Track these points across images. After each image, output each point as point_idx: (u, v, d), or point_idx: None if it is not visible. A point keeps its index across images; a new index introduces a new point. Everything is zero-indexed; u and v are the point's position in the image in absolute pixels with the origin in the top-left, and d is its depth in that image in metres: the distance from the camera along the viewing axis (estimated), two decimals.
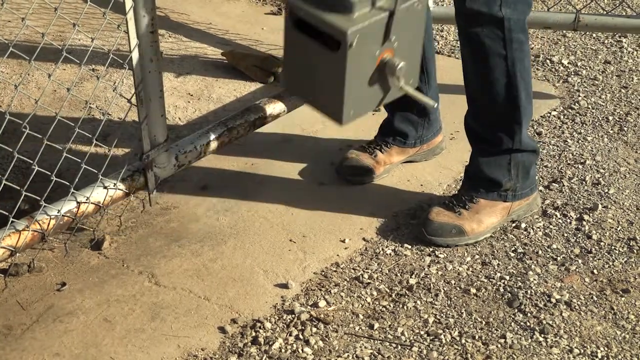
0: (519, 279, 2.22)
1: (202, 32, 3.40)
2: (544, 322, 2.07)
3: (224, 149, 2.45)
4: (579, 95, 3.02)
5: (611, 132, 2.83)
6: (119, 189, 2.21)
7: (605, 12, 3.22)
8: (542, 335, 2.04)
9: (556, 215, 2.45)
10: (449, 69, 3.06)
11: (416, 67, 1.95)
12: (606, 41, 3.33)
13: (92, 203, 2.16)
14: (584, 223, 2.42)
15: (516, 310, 2.11)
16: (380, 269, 2.25)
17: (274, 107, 2.59)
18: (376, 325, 2.06)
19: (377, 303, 2.14)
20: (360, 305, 2.13)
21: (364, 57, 1.84)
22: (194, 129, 2.70)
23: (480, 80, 2.32)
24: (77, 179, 2.16)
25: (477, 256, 2.30)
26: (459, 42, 2.37)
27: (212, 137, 2.37)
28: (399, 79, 1.88)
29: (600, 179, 2.60)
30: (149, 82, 2.18)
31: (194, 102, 3.00)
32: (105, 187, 2.18)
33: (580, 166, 2.66)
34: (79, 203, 2.13)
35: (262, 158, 2.70)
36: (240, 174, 2.64)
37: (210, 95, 3.03)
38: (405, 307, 2.13)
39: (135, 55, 2.14)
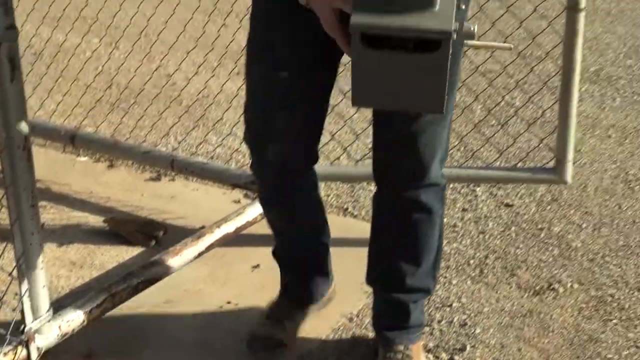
0: None
1: (84, 201, 3.36)
2: None
3: (108, 314, 2.40)
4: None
5: (473, 274, 2.88)
6: None
7: (458, 165, 3.33)
8: None
9: (429, 358, 2.46)
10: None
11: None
12: (462, 190, 3.43)
13: None
14: None
15: None
16: None
17: (156, 270, 2.57)
18: None
19: None
20: None
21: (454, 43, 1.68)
22: (78, 297, 2.63)
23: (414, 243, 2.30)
24: None
25: None
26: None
27: (96, 304, 2.33)
28: (474, 37, 1.69)
29: (467, 320, 2.63)
30: (30, 254, 2.14)
31: (77, 270, 2.93)
32: None
33: (447, 309, 2.69)
34: None
35: (148, 321, 2.64)
36: (126, 338, 2.57)
37: (93, 263, 2.98)
38: None
39: (16, 230, 2.11)
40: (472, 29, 1.68)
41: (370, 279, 2.42)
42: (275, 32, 2.11)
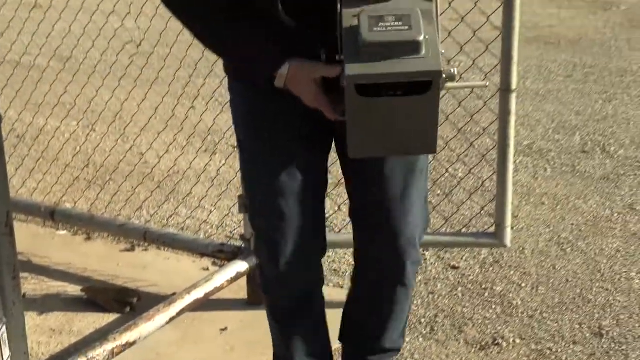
0: None
1: (63, 272, 3.32)
2: None
3: None
4: None
5: (424, 332, 2.88)
6: None
7: None
8: None
9: None
10: None
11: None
12: None
13: None
14: None
15: None
16: None
17: (131, 335, 2.54)
18: None
19: None
20: None
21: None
22: None
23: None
24: None
25: None
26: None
27: None
28: (455, 79, 1.70)
29: None
30: (12, 324, 2.10)
31: (56, 336, 2.89)
32: None
33: None
34: None
35: None
36: None
37: (71, 329, 2.93)
38: None
39: None
40: (452, 71, 1.69)
41: (344, 338, 2.38)
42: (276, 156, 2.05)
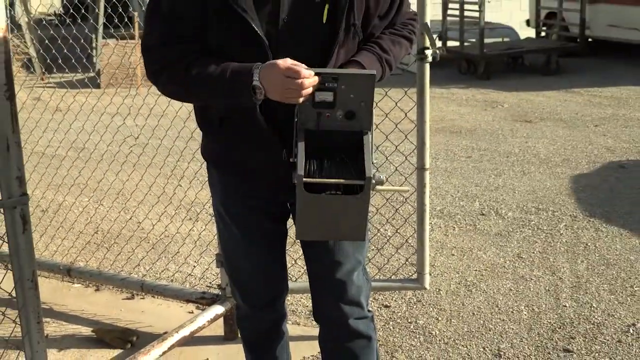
0: None
1: (77, 317, 3.24)
2: None
3: None
4: None
5: None
6: None
7: None
8: None
9: None
10: None
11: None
12: None
13: None
14: None
15: None
16: None
17: None
18: None
19: None
20: None
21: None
22: None
23: None
24: None
25: None
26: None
27: None
28: (383, 184, 1.68)
29: None
30: (36, 358, 2.04)
31: None
32: None
33: None
34: None
35: None
36: None
37: None
38: None
39: (26, 340, 2.02)
40: (382, 177, 1.70)
41: None
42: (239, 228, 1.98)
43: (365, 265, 2.08)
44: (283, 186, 1.77)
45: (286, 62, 1.63)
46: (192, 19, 1.72)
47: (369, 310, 2.04)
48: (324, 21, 1.71)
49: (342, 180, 1.67)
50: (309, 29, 1.72)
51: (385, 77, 1.84)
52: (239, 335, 2.37)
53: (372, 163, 1.72)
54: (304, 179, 1.66)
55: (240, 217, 1.99)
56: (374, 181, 1.67)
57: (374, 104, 1.74)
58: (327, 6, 1.70)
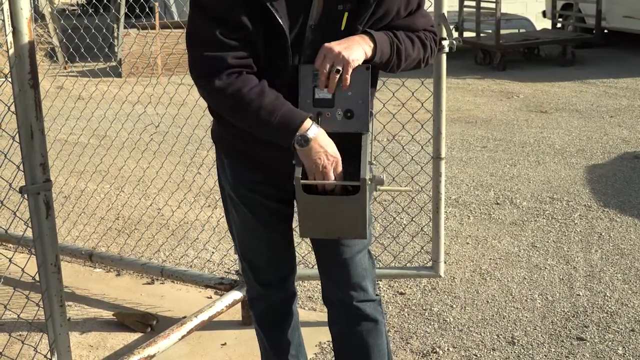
0: None
1: (99, 301, 3.27)
2: None
3: None
4: None
5: None
6: None
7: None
8: None
9: None
10: None
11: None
12: None
13: None
14: None
15: None
16: None
17: (151, 349, 2.50)
18: None
19: None
20: None
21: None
22: None
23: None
24: None
25: None
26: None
27: None
28: (383, 184, 1.70)
29: None
30: (60, 341, 2.06)
31: (94, 351, 2.83)
32: None
33: None
34: None
35: None
36: None
37: (105, 345, 2.87)
38: None
39: (49, 323, 2.04)
40: (382, 177, 1.72)
41: None
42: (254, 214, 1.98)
43: (375, 257, 2.06)
44: (290, 177, 1.79)
45: (334, 150, 1.71)
46: (239, 22, 1.71)
47: (376, 295, 2.04)
48: (343, 28, 1.76)
49: (337, 182, 1.69)
50: (330, 34, 1.76)
51: (393, 65, 1.82)
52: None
53: (372, 164, 1.73)
54: (302, 181, 1.69)
55: (246, 199, 1.99)
56: (370, 182, 1.69)
57: (373, 105, 1.75)
58: (346, 14, 1.76)
